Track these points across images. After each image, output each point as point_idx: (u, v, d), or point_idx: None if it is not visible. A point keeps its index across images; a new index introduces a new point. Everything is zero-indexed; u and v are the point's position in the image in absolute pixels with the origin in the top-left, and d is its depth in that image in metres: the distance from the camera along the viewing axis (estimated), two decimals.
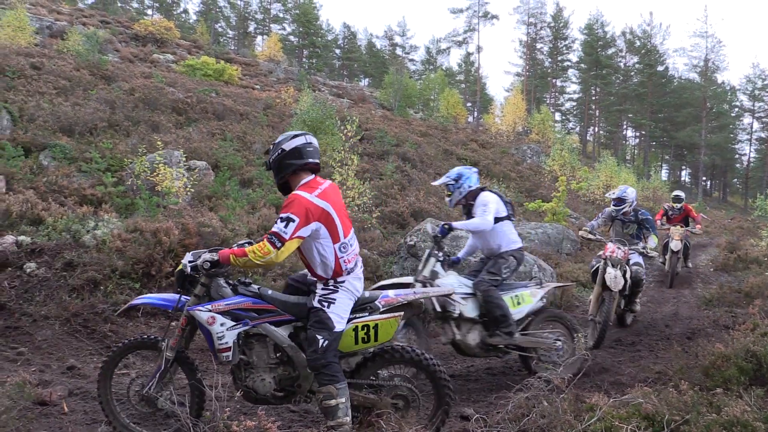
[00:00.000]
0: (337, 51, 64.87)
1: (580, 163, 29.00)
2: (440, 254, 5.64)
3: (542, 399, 3.91)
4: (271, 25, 58.20)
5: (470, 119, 50.73)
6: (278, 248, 3.47)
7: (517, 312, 5.58)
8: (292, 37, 56.11)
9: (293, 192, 3.63)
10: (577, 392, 4.21)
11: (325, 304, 3.65)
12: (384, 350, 3.84)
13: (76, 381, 5.22)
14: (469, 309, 5.49)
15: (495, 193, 5.89)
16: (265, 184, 12.57)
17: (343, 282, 3.72)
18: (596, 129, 65.94)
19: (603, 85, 59.64)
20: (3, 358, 5.74)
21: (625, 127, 66.26)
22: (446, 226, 5.69)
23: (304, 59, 53.28)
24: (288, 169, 3.71)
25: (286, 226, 3.47)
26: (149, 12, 54.99)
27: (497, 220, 5.67)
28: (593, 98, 62.51)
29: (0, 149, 11.19)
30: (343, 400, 3.54)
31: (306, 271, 3.95)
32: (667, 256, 11.17)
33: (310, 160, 3.72)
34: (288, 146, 3.71)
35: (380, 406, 3.77)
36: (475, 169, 6.08)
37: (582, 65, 62.33)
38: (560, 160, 25.81)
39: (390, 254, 10.06)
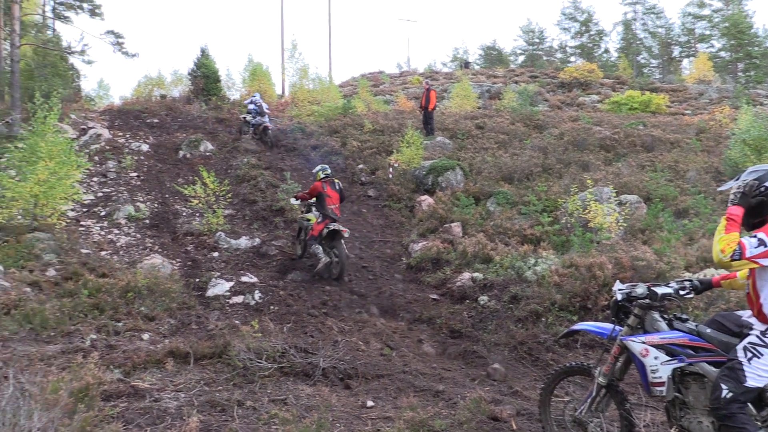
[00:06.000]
0: None
1: None
2: None
3: None
4: (696, 45, 53.52)
5: None
6: (733, 259, 3.16)
7: None
8: (722, 53, 50.20)
9: None
10: None
11: (750, 354, 3.23)
12: None
13: (522, 402, 5.72)
14: None
15: None
16: (703, 213, 11.55)
17: None
18: None
19: None
20: (464, 376, 6.72)
21: None
22: None
23: (739, 74, 47.08)
24: None
25: (756, 246, 3.14)
26: (572, 59, 57.16)
27: None
28: None
29: (456, 200, 13.26)
30: None
31: (741, 312, 3.59)
32: None
33: None
34: None
35: None
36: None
37: None
38: None
39: None
